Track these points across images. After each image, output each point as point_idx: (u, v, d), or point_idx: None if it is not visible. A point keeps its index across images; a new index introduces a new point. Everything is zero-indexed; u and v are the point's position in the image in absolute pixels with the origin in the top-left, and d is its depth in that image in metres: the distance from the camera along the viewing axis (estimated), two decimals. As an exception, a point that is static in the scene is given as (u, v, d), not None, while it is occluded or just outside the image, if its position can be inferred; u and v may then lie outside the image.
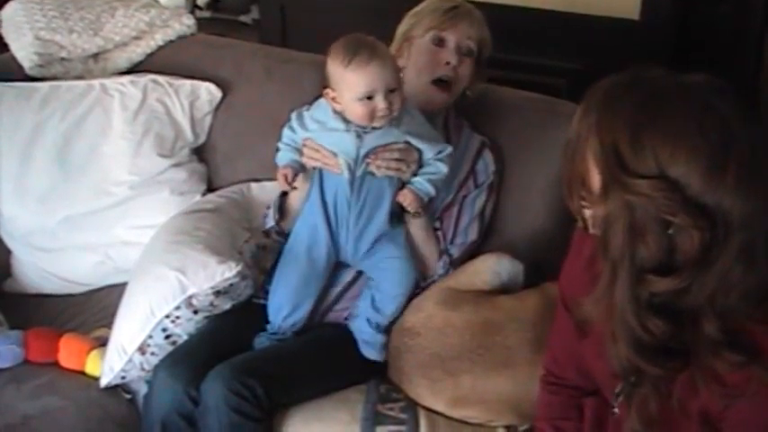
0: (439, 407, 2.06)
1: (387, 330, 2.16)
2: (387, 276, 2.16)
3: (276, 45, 3.41)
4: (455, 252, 2.26)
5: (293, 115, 2.18)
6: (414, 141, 2.12)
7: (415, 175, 2.14)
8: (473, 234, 2.29)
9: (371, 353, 2.15)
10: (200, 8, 4.51)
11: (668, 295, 1.34)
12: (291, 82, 2.60)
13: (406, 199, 2.12)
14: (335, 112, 2.10)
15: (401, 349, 2.11)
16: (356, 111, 2.05)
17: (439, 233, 2.27)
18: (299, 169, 2.14)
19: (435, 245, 2.24)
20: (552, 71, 3.19)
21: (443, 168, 2.14)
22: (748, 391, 1.32)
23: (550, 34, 3.26)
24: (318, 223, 2.15)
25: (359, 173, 2.10)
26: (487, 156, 2.32)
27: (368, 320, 2.15)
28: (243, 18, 4.57)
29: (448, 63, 2.25)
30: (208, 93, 2.64)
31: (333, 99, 2.09)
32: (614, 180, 1.32)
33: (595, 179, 1.36)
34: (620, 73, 1.39)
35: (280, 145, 2.19)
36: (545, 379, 1.80)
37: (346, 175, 2.09)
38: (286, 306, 2.15)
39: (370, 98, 2.03)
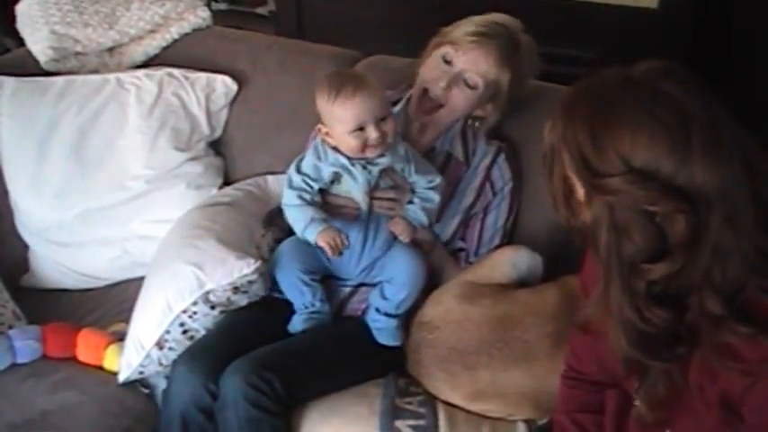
0: (457, 401, 2.05)
1: (399, 317, 2.16)
2: (394, 266, 2.15)
3: (292, 37, 3.41)
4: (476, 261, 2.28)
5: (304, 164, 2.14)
6: (408, 170, 2.15)
7: (410, 202, 2.16)
8: (496, 241, 2.30)
9: (387, 338, 2.16)
10: (216, 0, 4.50)
11: (665, 281, 1.35)
12: (307, 74, 2.60)
13: (397, 227, 2.14)
14: (333, 148, 2.11)
15: (420, 343, 2.11)
16: (349, 143, 2.07)
17: (462, 254, 2.29)
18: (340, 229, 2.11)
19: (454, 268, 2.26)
20: (570, 61, 3.16)
21: (435, 197, 2.17)
22: (766, 371, 1.32)
23: (568, 23, 3.24)
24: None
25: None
26: (502, 163, 2.31)
27: (377, 309, 2.15)
28: (259, 10, 4.55)
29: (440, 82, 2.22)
30: (224, 86, 2.64)
31: (326, 134, 2.11)
32: (590, 186, 1.35)
33: (579, 188, 1.38)
34: (577, 81, 1.42)
35: (304, 210, 2.11)
36: (565, 374, 1.80)
37: (364, 207, 2.13)
38: (296, 297, 2.17)
39: (362, 129, 2.05)
